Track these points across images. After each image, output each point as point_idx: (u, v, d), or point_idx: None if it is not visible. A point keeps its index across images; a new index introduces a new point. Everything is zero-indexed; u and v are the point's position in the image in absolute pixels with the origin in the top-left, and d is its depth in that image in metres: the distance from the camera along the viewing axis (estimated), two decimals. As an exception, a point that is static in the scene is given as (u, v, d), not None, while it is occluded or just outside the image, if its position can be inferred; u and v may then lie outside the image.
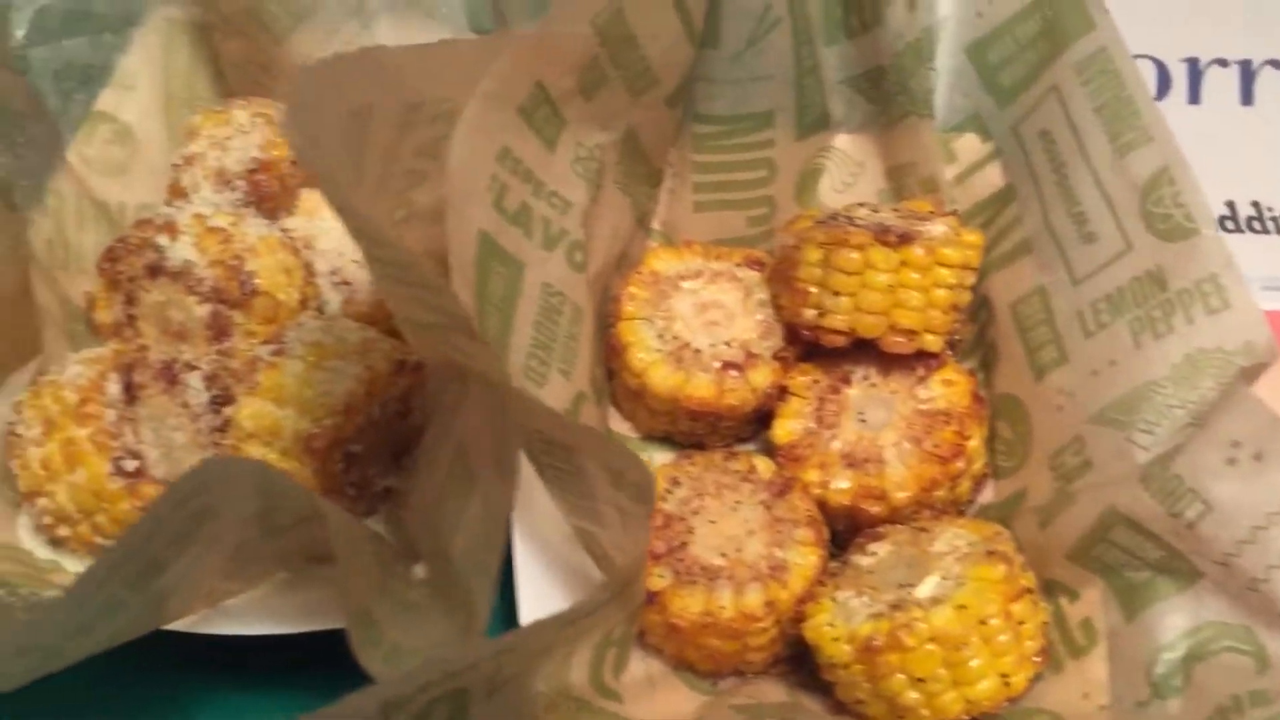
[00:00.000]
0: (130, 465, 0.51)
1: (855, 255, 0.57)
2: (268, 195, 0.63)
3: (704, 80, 0.63)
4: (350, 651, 0.41)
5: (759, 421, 0.62)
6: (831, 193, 0.67)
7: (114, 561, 0.39)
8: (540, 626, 0.40)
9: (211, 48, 0.68)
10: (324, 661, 0.44)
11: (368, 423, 0.55)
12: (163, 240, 0.57)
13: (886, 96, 0.64)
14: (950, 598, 0.49)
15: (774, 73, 0.63)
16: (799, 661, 0.56)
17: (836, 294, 0.58)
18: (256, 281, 0.56)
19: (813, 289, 0.59)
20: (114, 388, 0.53)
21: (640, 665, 0.56)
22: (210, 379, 0.58)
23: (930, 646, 0.48)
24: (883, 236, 0.57)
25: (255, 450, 0.53)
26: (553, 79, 0.55)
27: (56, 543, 0.55)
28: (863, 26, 0.64)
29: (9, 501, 0.56)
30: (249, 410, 0.53)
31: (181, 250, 0.57)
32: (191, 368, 0.57)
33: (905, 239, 0.57)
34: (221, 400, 0.58)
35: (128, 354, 0.55)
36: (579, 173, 0.59)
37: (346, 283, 0.62)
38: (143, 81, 0.67)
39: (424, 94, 0.50)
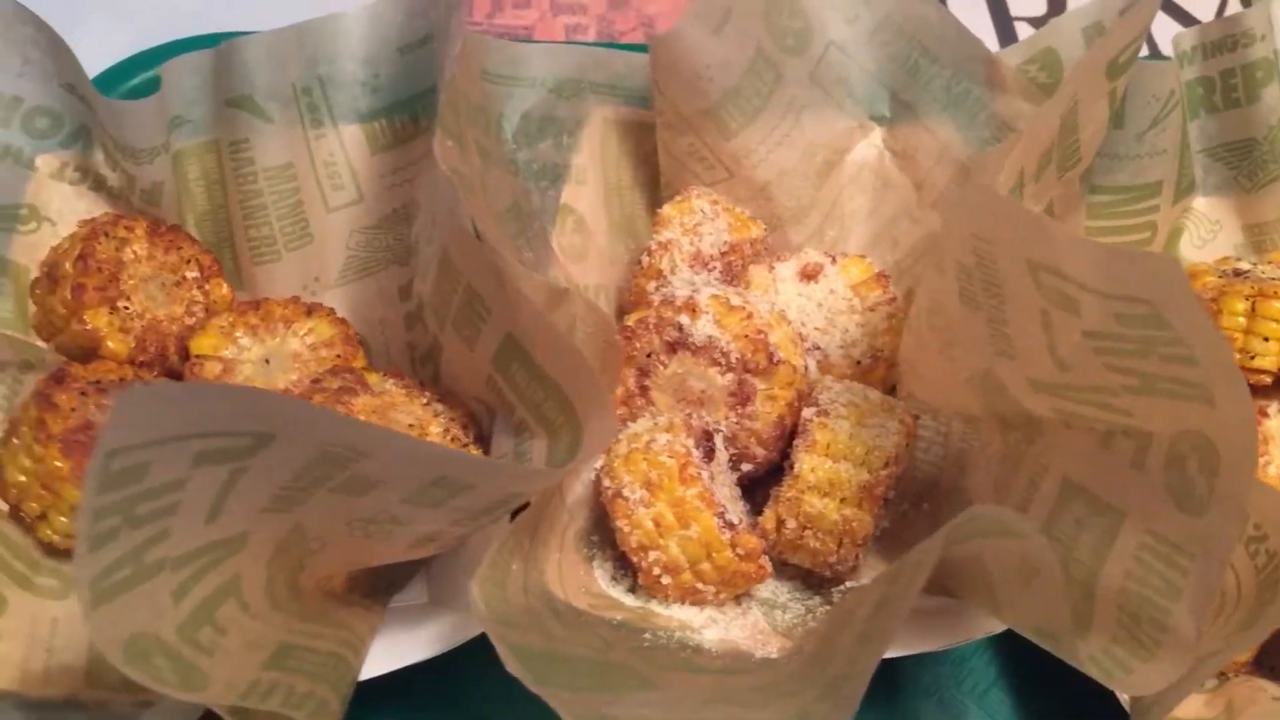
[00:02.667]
0: (732, 518, 0.59)
1: (1282, 305, 0.66)
2: (736, 273, 0.71)
3: (1107, 156, 0.72)
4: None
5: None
6: (1191, 248, 0.77)
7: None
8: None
9: (634, 141, 0.76)
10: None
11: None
12: (684, 319, 0.65)
13: (1255, 164, 0.74)
14: None
15: (1167, 148, 0.72)
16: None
17: (1266, 339, 0.67)
18: (780, 352, 0.64)
19: (1238, 335, 0.68)
20: (696, 452, 0.60)
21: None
22: (730, 439, 0.66)
23: None
24: (1306, 288, 0.66)
25: (815, 500, 0.61)
26: (1028, 165, 0.64)
27: (636, 589, 0.62)
28: (1229, 104, 0.73)
29: (584, 556, 0.63)
30: (809, 464, 0.61)
31: (704, 327, 0.65)
32: (715, 430, 0.65)
33: (1326, 289, 0.66)
34: (739, 457, 0.66)
35: (688, 422, 0.62)
36: (1030, 244, 0.68)
37: (817, 347, 0.70)
38: (590, 175, 0.74)
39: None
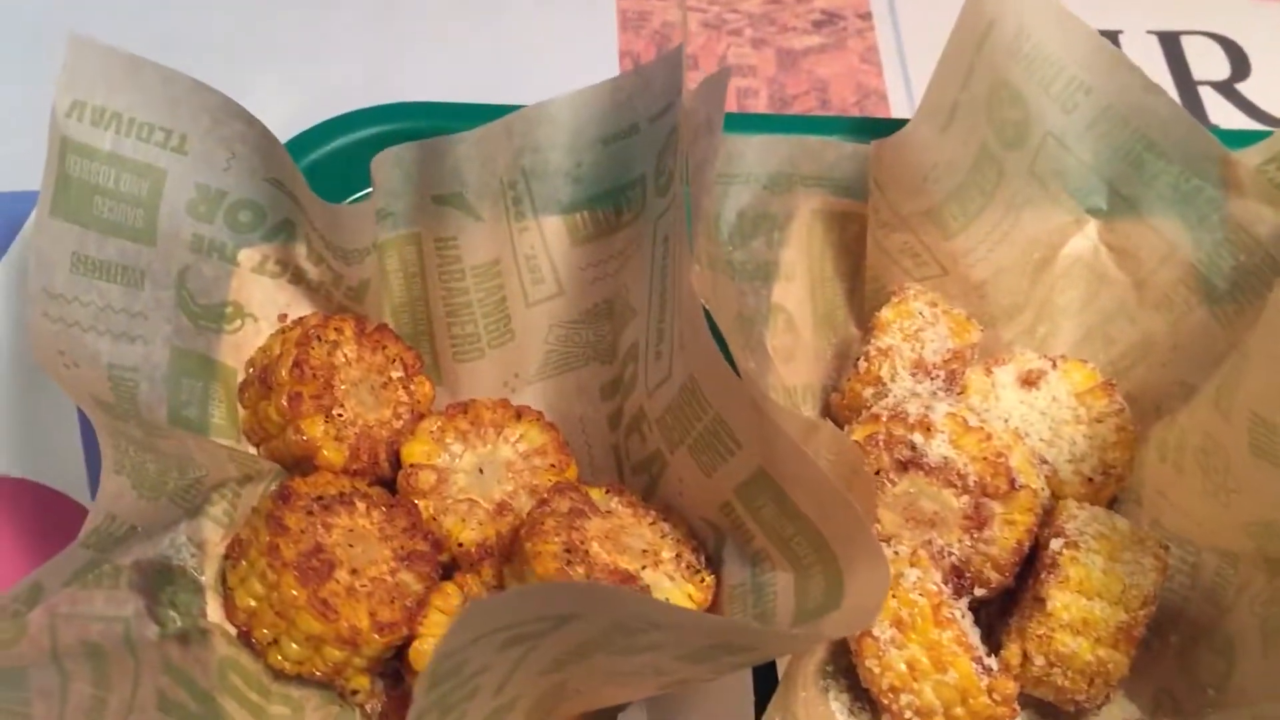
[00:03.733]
0: (989, 663, 0.56)
1: None
2: (958, 379, 0.68)
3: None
4: None
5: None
6: None
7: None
8: None
9: (837, 232, 0.74)
10: None
11: (1151, 608, 0.60)
12: (917, 438, 0.62)
13: None
14: None
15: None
16: None
17: None
18: (1021, 477, 0.62)
19: None
20: (946, 589, 0.58)
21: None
22: (964, 562, 0.63)
23: None
24: None
25: (1068, 639, 0.58)
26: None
27: (876, 727, 0.60)
28: None
29: (820, 689, 0.61)
30: (1062, 601, 0.59)
31: (939, 447, 0.62)
32: (949, 554, 0.63)
33: None
34: (972, 582, 0.64)
35: (933, 553, 0.60)
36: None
37: (1045, 461, 0.67)
38: (798, 271, 0.72)
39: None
